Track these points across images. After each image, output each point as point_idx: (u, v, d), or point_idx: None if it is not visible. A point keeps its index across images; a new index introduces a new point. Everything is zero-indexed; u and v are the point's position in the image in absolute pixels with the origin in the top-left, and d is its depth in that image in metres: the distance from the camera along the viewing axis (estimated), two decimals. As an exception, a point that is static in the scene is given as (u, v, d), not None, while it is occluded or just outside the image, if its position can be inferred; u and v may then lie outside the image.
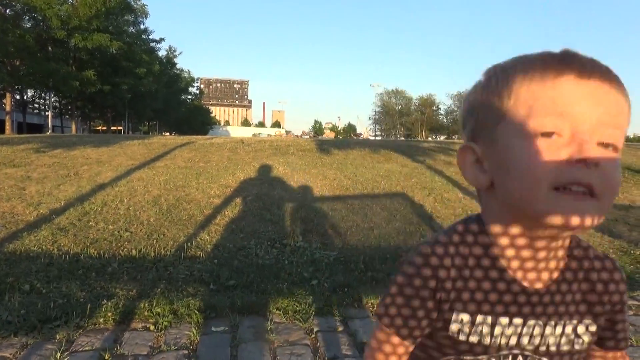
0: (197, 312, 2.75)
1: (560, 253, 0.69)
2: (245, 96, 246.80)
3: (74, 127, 38.63)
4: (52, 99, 40.30)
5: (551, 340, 0.69)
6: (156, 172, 7.01)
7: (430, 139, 72.47)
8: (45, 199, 5.35)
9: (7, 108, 31.84)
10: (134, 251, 3.88)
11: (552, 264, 0.68)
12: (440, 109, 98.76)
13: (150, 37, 42.31)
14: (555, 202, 0.58)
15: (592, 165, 0.57)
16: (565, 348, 0.70)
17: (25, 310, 2.66)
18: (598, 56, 0.60)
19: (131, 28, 38.53)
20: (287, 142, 12.13)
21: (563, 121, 0.58)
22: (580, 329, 0.71)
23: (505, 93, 0.62)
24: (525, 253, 0.66)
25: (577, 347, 0.71)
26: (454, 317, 0.68)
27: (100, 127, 56.99)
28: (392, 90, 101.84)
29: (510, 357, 0.69)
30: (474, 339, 0.68)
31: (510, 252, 0.67)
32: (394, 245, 4.41)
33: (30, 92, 42.35)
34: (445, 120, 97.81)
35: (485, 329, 0.67)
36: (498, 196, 0.65)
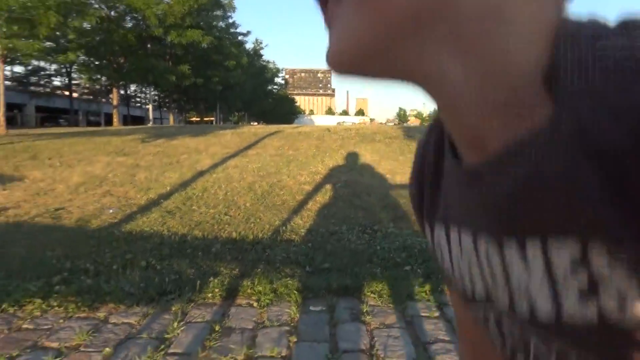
0: (295, 292, 2.88)
1: None
2: (329, 85, 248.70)
3: (171, 118, 41.29)
4: (152, 93, 43.33)
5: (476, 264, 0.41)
6: (249, 160, 7.34)
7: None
8: (152, 185, 5.82)
9: (114, 102, 34.68)
10: (234, 233, 4.12)
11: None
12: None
13: (238, 30, 43.90)
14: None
15: None
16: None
17: (145, 284, 2.95)
18: None
19: (220, 23, 40.19)
20: (373, 130, 12.11)
21: None
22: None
23: None
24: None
25: None
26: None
27: (194, 118, 60.41)
28: None
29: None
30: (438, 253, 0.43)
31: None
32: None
33: (132, 87, 45.85)
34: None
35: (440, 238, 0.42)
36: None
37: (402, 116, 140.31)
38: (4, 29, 14.08)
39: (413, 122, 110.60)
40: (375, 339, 2.38)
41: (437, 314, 2.68)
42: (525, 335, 0.33)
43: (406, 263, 3.46)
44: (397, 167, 6.85)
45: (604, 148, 0.22)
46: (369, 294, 2.94)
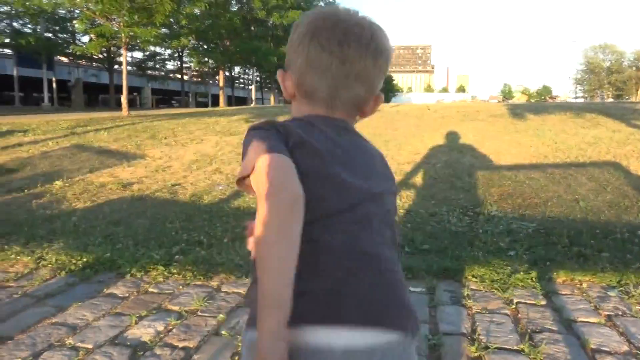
0: (395, 272, 2.91)
1: None
2: (428, 62, 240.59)
3: (272, 99, 42.68)
4: (255, 74, 44.99)
5: None
6: (348, 140, 7.41)
7: (648, 99, 61.49)
8: (257, 163, 6.11)
9: (220, 84, 36.62)
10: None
11: None
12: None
13: (338, 8, 43.87)
14: None
15: None
16: None
17: (252, 257, 3.15)
18: None
19: (321, 2, 40.41)
20: (475, 108, 11.60)
21: None
22: None
23: None
24: None
25: None
26: None
27: (293, 98, 61.80)
28: (600, 45, 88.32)
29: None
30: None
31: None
32: (604, 220, 3.97)
33: (236, 69, 47.95)
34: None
35: None
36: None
37: (507, 93, 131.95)
38: (126, 18, 15.42)
39: (520, 98, 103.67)
40: (477, 323, 2.34)
41: (544, 302, 2.57)
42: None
43: (510, 248, 3.33)
44: (501, 147, 6.53)
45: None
46: (470, 277, 2.89)
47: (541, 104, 18.49)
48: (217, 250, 3.35)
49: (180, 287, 2.84)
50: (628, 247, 3.32)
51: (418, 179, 5.25)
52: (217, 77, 41.14)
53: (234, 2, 35.04)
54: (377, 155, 0.95)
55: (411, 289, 2.74)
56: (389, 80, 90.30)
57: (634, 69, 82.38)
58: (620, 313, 2.43)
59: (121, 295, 2.71)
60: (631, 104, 13.50)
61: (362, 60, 0.87)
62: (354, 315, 0.74)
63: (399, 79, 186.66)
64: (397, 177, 5.32)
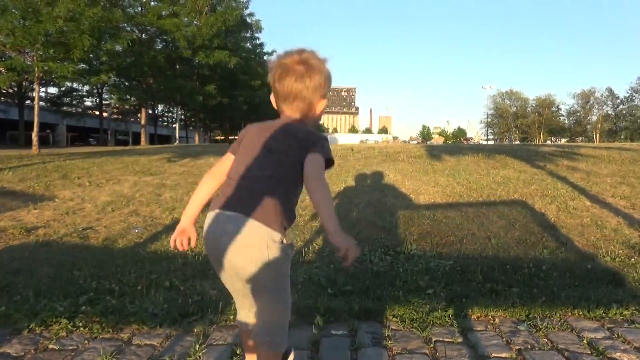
0: (317, 315, 2.87)
1: None
2: (353, 103, 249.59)
3: (197, 137, 42.00)
4: (179, 112, 44.21)
5: None
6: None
7: (549, 142, 67.33)
8: (178, 205, 5.91)
9: (142, 122, 35.54)
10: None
11: None
12: (560, 109, 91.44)
13: (264, 50, 44.62)
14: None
15: None
16: None
17: (168, 305, 2.99)
18: None
19: (247, 44, 40.95)
20: (396, 149, 12.09)
21: None
22: None
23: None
24: None
25: None
26: None
27: (219, 137, 61.22)
28: (506, 92, 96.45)
29: None
30: None
31: None
32: (513, 256, 4.21)
33: (160, 107, 46.88)
34: (566, 122, 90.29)
35: None
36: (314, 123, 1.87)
37: (425, 134, 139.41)
38: (40, 52, 14.66)
39: (436, 140, 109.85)
40: (397, 365, 2.34)
41: (460, 339, 2.63)
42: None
43: (429, 286, 3.42)
44: (420, 186, 6.80)
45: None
46: (391, 317, 2.90)
47: (456, 145, 19.65)
48: (129, 298, 3.14)
49: (86, 341, 2.61)
50: (535, 282, 3.52)
51: (342, 220, 5.29)
52: (139, 115, 39.94)
53: (158, 40, 34.58)
54: None
55: (333, 332, 2.71)
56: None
57: (536, 114, 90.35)
58: (529, 346, 2.54)
59: (15, 355, 2.44)
60: (535, 147, 14.70)
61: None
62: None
63: (325, 120, 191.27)
64: (321, 217, 5.35)
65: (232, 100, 37.12)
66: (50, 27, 13.91)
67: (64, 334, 2.68)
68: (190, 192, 6.62)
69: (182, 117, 46.91)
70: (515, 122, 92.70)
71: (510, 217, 5.39)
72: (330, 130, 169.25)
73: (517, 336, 2.67)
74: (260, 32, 41.44)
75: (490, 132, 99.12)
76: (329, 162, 1.66)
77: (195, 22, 32.86)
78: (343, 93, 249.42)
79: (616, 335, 2.72)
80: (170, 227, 5.00)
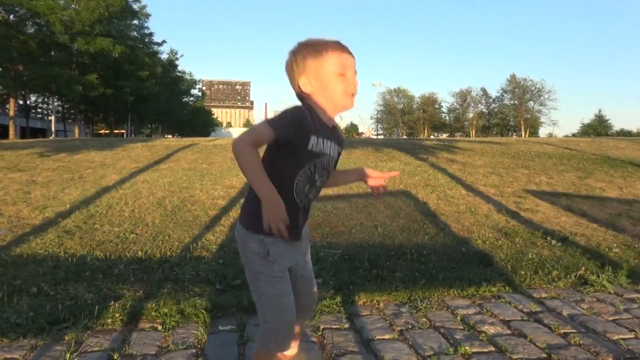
0: (204, 312, 2.77)
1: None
2: (247, 97, 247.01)
3: (77, 131, 38.78)
4: (55, 104, 40.44)
5: (335, 151, 1.67)
6: (160, 175, 7.05)
7: (432, 137, 72.37)
8: (50, 203, 5.38)
9: (11, 113, 31.98)
10: (139, 253, 3.90)
11: (331, 121, 1.65)
12: (442, 106, 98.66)
13: (153, 40, 42.43)
14: (346, 99, 1.61)
15: (356, 84, 1.62)
16: (335, 156, 1.69)
17: (34, 313, 2.69)
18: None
19: (134, 32, 38.60)
20: (289, 143, 12.14)
21: (346, 70, 1.60)
22: (339, 150, 1.71)
23: (325, 56, 1.58)
24: (328, 116, 1.63)
25: (337, 156, 1.71)
26: (311, 138, 1.53)
27: (103, 131, 57.19)
28: (395, 89, 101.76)
29: (326, 159, 1.62)
30: (317, 149, 1.56)
31: (324, 116, 1.61)
32: (398, 243, 4.42)
33: (33, 97, 42.53)
34: (447, 118, 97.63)
35: (322, 145, 1.58)
36: (318, 99, 1.60)
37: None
38: None
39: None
40: (285, 355, 2.33)
41: (347, 325, 2.69)
42: (324, 167, 1.65)
43: (319, 275, 3.45)
44: (312, 179, 6.89)
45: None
46: (280, 309, 2.89)
47: (348, 139, 20.28)
48: (-13, 308, 2.78)
49: None
50: (416, 266, 3.73)
51: (233, 213, 5.20)
52: (7, 106, 35.86)
53: (30, 24, 31.24)
54: None
55: (220, 327, 2.63)
56: (208, 114, 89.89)
57: (421, 111, 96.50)
58: (410, 327, 2.68)
59: None
60: (419, 141, 15.67)
61: None
62: None
63: (218, 114, 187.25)
64: (212, 212, 5.20)
65: (117, 91, 34.85)
66: None
67: None
68: (65, 189, 6.07)
69: (60, 108, 43.01)
70: (403, 118, 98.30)
71: (396, 207, 5.67)
72: (224, 125, 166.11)
73: (399, 318, 2.81)
74: (147, 19, 39.34)
75: (380, 128, 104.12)
76: (274, 132, 1.49)
77: (73, 6, 30.22)
78: (237, 87, 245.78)
79: (485, 310, 2.97)
80: (40, 228, 4.54)
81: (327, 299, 2.99)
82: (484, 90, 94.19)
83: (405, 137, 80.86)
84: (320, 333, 2.59)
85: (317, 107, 1.59)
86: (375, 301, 3.07)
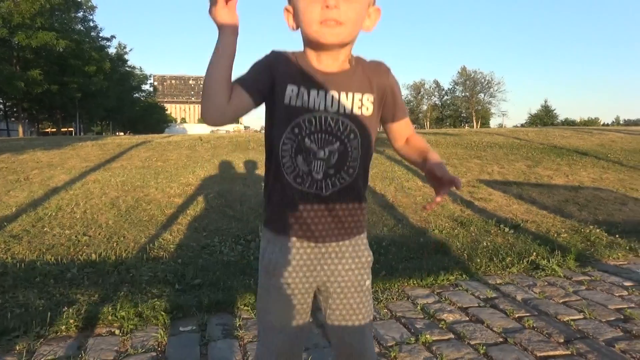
0: (163, 313, 2.70)
1: (342, 58, 1.20)
2: (201, 92, 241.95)
3: (21, 130, 36.90)
4: (-4, 101, 38.33)
5: (346, 105, 1.19)
6: (112, 174, 6.81)
7: (388, 129, 73.13)
8: (-6, 207, 5.10)
9: (-54, 112, 30.09)
10: (93, 255, 3.76)
11: (339, 62, 1.20)
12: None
13: (101, 35, 40.88)
14: (321, 30, 1.11)
15: (333, 8, 1.08)
16: (356, 112, 1.20)
17: (-20, 323, 2.55)
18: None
19: (79, 25, 37.06)
20: (246, 138, 12.03)
21: None
22: (365, 99, 1.21)
23: None
24: (318, 57, 1.19)
25: (364, 112, 1.21)
26: (287, 88, 1.16)
27: (49, 129, 54.70)
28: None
29: (321, 115, 1.17)
30: (299, 103, 1.17)
31: (312, 58, 1.20)
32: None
33: (-29, 95, 40.14)
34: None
35: (305, 97, 1.17)
36: (302, 35, 1.18)
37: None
38: None
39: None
40: (249, 352, 2.31)
41: (309, 319, 2.69)
42: (323, 129, 1.17)
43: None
44: (270, 174, 6.85)
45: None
46: (242, 307, 2.87)
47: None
48: None
49: None
50: (376, 258, 3.75)
51: (190, 211, 5.09)
52: (-58, 104, 33.77)
53: (-37, 16, 29.42)
54: None
55: (181, 329, 2.58)
56: (161, 110, 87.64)
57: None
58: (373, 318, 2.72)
59: None
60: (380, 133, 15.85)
61: None
62: None
63: (172, 110, 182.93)
64: (168, 211, 5.08)
65: (63, 87, 33.38)
66: None
67: None
68: (10, 191, 5.78)
69: (1, 106, 40.77)
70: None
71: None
72: (178, 121, 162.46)
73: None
74: (93, 11, 37.85)
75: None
76: (238, 84, 1.18)
77: (11, -3, 28.67)
78: (191, 82, 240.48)
79: (444, 299, 3.05)
80: (-15, 233, 4.29)
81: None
82: (436, 82, 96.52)
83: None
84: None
85: (305, 49, 1.21)
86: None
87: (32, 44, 29.26)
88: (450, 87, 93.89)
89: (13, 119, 43.80)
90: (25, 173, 6.86)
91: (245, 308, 2.84)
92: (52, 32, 29.86)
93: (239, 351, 2.34)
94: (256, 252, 3.91)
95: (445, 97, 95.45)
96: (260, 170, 7.09)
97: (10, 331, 2.50)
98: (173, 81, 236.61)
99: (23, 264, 3.51)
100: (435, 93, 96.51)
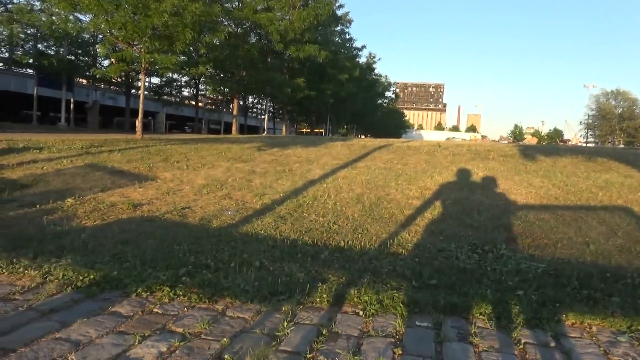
0: (401, 305, 2.88)
1: None
2: (440, 100, 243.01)
3: (284, 128, 43.10)
4: (268, 104, 45.64)
5: None
6: (358, 172, 7.45)
7: (661, 147, 61.19)
8: (267, 191, 6.15)
9: (234, 112, 37.12)
10: (342, 242, 4.22)
11: None
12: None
13: (353, 45, 44.70)
14: None
15: None
16: None
17: (258, 283, 3.15)
18: None
19: (337, 38, 41.25)
20: (486, 147, 11.64)
21: None
22: None
23: None
24: None
25: None
26: None
27: (304, 129, 62.39)
28: (612, 91, 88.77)
29: None
30: None
31: None
32: (615, 264, 3.92)
33: (250, 98, 48.69)
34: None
35: None
36: None
37: (517, 134, 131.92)
38: (147, 45, 15.83)
39: (530, 140, 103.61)
40: (483, 362, 2.30)
41: (552, 343, 2.52)
42: None
43: (519, 287, 3.29)
44: (512, 187, 6.52)
45: None
46: (477, 314, 2.85)
47: (552, 146, 18.51)
48: (223, 274, 3.35)
49: (185, 309, 2.83)
50: (639, 293, 3.26)
51: (427, 214, 5.24)
52: (231, 105, 41.73)
53: (252, 34, 35.83)
54: None
55: (417, 323, 2.71)
56: (400, 116, 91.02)
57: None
58: (631, 359, 2.38)
59: (126, 314, 2.71)
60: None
61: None
62: None
63: (410, 116, 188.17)
64: (407, 211, 5.33)
65: (320, 93, 37.62)
66: (157, 21, 15.00)
67: (167, 300, 2.93)
68: (279, 179, 6.86)
69: (271, 108, 48.38)
70: (621, 124, 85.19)
71: (612, 224, 5.02)
72: (415, 127, 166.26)
73: (616, 347, 2.51)
74: (350, 25, 41.54)
75: (591, 135, 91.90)
76: None
77: (287, 17, 33.64)
78: (431, 89, 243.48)
79: None
80: (260, 212, 5.24)
81: (530, 314, 2.83)
82: None
83: (622, 145, 70.06)
84: (521, 346, 2.47)
85: None
86: (586, 324, 2.79)
87: (299, 55, 33.89)
88: None
89: (278, 119, 51.51)
90: (289, 165, 8.05)
91: (482, 317, 2.81)
92: (316, 45, 33.98)
93: (474, 357, 2.34)
94: (493, 263, 3.81)
95: None
96: (502, 181, 6.80)
97: (279, 294, 3.02)
98: (414, 88, 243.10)
99: (288, 241, 4.17)
100: None
